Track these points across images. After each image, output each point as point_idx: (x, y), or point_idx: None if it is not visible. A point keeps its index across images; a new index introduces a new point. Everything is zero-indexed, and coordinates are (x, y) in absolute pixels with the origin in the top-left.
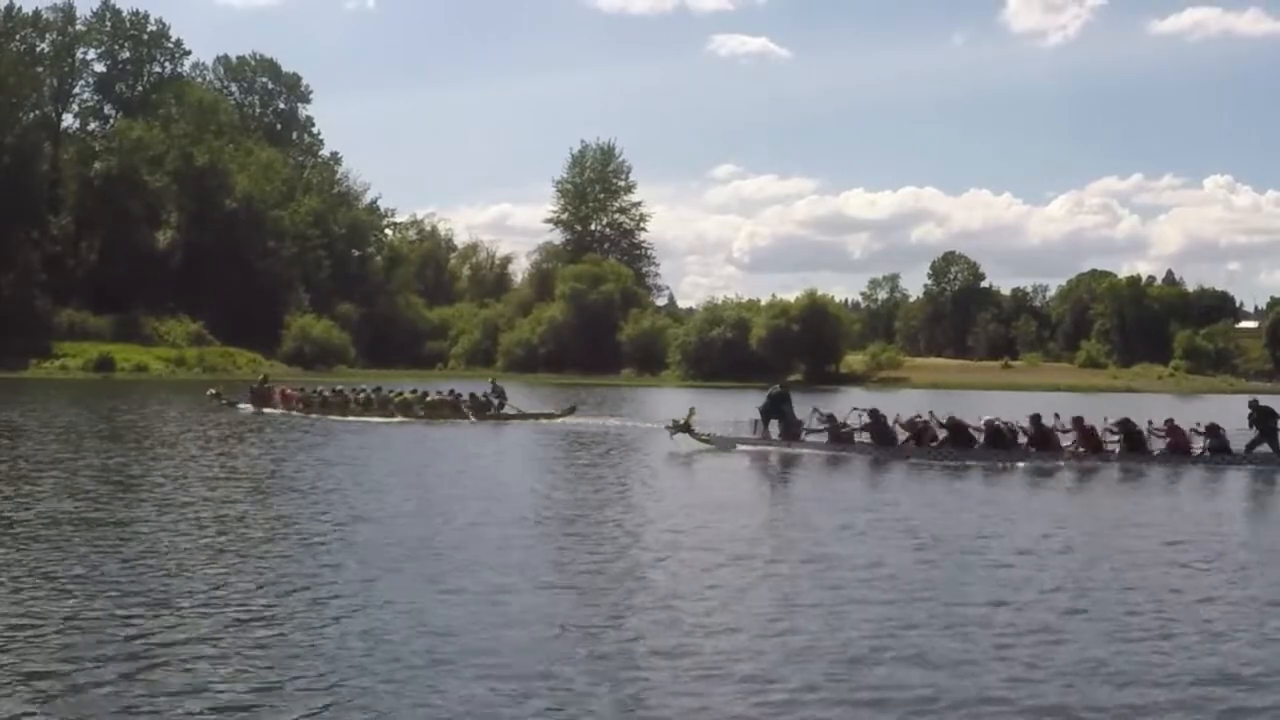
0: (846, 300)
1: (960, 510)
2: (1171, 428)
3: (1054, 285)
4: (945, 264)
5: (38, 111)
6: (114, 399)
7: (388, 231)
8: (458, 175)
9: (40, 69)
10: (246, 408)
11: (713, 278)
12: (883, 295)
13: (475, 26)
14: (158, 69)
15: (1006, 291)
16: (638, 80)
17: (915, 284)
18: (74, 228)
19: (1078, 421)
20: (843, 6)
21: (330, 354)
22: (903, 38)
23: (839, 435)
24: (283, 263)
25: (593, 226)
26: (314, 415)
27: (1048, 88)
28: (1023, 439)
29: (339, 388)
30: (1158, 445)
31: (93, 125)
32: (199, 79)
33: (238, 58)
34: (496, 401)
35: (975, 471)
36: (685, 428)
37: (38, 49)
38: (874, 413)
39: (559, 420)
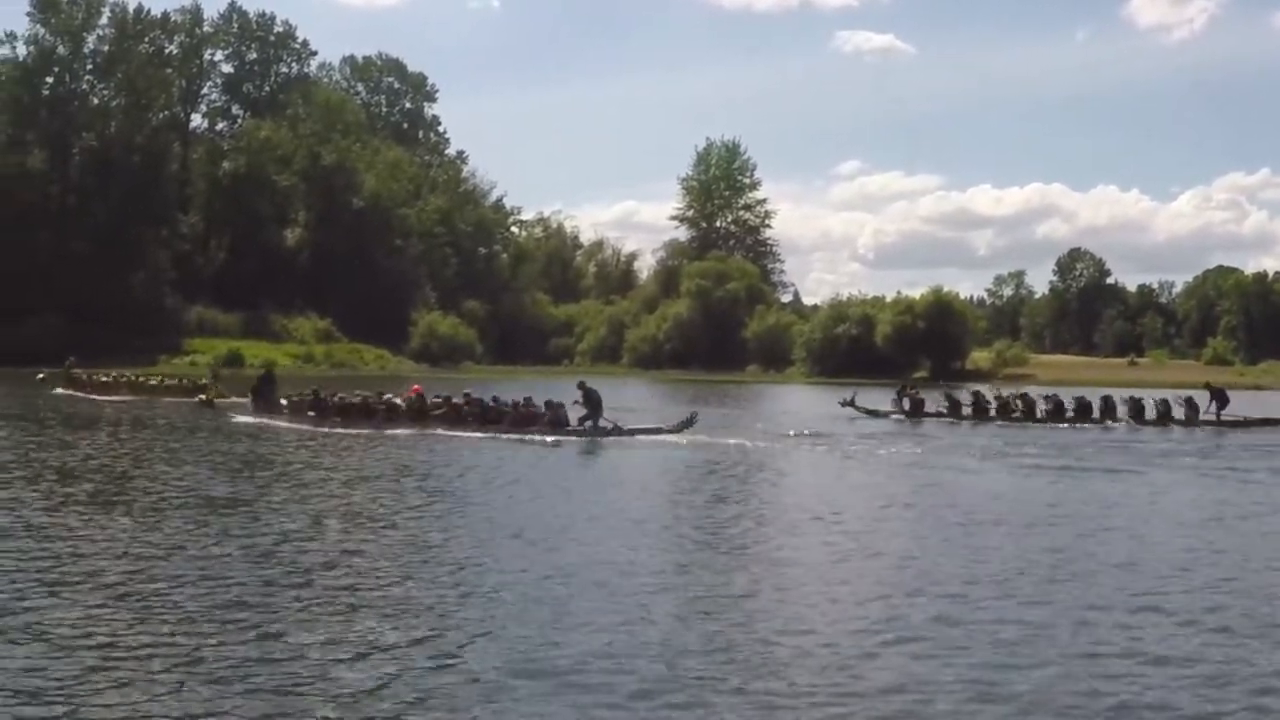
0: (972, 297)
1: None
2: (516, 405)
3: (1180, 282)
4: (1071, 260)
5: (167, 112)
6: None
7: (514, 229)
8: (583, 173)
9: (169, 70)
10: (59, 390)
11: (838, 274)
12: (1008, 292)
13: (599, 25)
14: (284, 69)
15: (1132, 288)
16: (762, 77)
17: (1041, 280)
18: (203, 226)
19: (448, 399)
20: (966, 3)
21: (457, 351)
22: (1026, 34)
23: (314, 407)
24: (409, 261)
25: (718, 223)
26: (93, 395)
27: (1174, 83)
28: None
29: (114, 373)
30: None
31: (221, 125)
32: (325, 79)
33: (364, 58)
34: (215, 385)
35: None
36: (209, 404)
37: (166, 50)
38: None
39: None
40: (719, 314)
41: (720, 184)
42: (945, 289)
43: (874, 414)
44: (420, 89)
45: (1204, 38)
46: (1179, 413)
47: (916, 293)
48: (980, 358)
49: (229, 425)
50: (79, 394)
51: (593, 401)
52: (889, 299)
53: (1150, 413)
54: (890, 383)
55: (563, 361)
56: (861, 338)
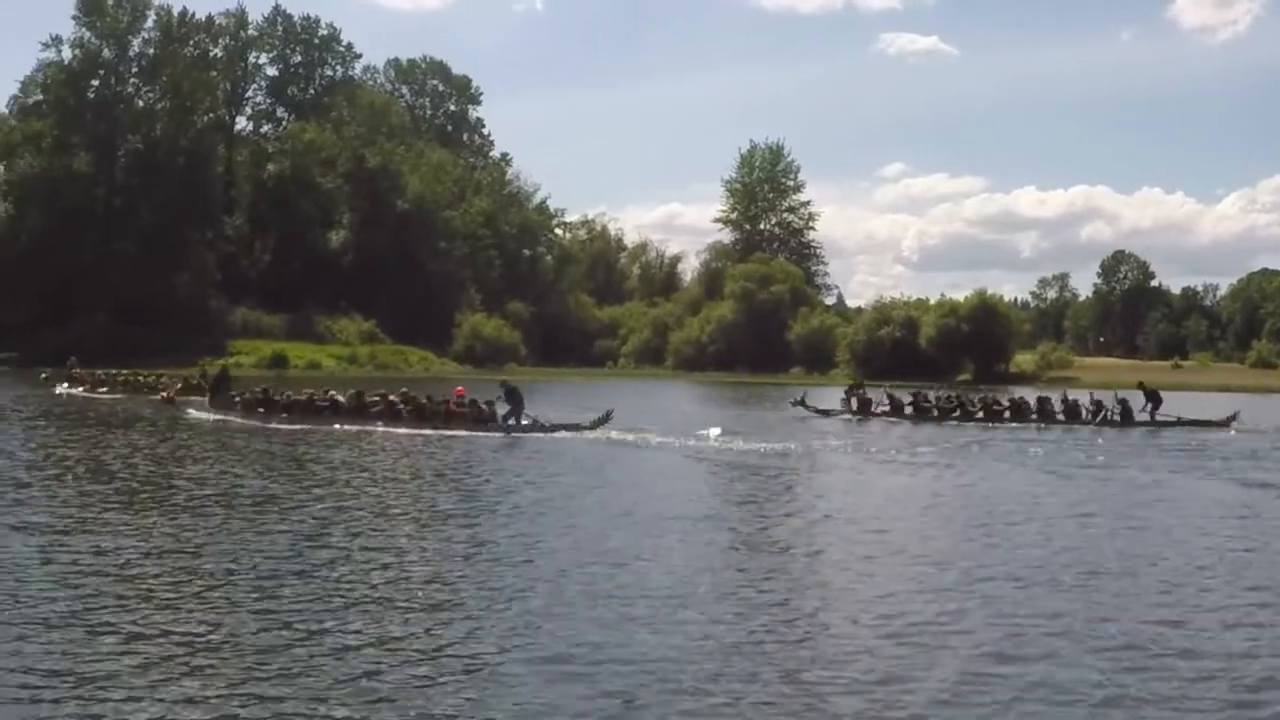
0: (1016, 299)
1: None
2: (448, 403)
3: (1225, 284)
4: (1115, 263)
5: (212, 115)
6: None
7: (558, 231)
8: (627, 175)
9: (214, 73)
10: (63, 387)
11: (882, 277)
12: (1052, 294)
13: (642, 27)
14: (329, 72)
15: (1177, 291)
16: (806, 79)
17: (1085, 283)
18: (248, 228)
19: (384, 396)
20: (1011, 4)
21: (501, 352)
22: (1071, 35)
23: (263, 404)
24: (454, 262)
25: (762, 226)
26: (86, 393)
27: (1218, 84)
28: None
29: (113, 372)
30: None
31: (265, 128)
32: (370, 82)
33: (408, 61)
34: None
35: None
36: (169, 401)
37: (211, 54)
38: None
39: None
40: (763, 316)
41: (764, 186)
42: (989, 291)
43: (823, 413)
44: (464, 91)
45: (1248, 39)
46: (1114, 413)
47: (960, 295)
48: (1024, 360)
49: (172, 419)
50: (74, 391)
51: (515, 400)
52: (933, 301)
53: (1085, 413)
54: (934, 385)
55: (607, 363)
56: (905, 340)
